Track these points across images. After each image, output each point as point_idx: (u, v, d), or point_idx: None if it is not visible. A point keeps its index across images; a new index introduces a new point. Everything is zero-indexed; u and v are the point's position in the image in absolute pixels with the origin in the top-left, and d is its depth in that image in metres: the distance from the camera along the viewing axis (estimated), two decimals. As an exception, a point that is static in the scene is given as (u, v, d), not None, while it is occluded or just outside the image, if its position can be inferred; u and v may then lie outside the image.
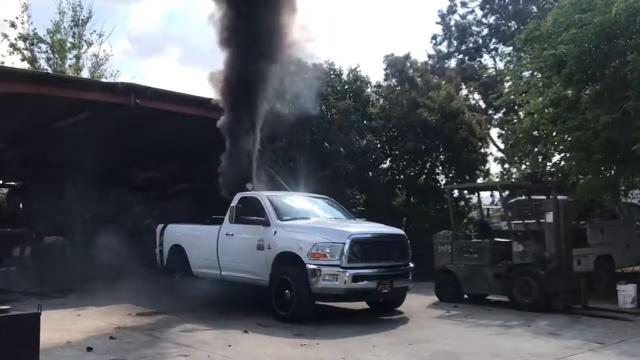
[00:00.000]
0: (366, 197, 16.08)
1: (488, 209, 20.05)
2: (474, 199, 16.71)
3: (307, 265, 8.70)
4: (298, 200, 10.87)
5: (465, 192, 16.77)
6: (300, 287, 8.72)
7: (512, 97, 13.59)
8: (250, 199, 10.31)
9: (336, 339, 7.79)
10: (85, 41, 28.09)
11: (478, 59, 28.64)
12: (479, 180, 17.94)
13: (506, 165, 20.73)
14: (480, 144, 18.07)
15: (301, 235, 9.15)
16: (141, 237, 14.05)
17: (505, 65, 19.91)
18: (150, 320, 9.08)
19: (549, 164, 12.97)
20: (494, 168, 22.79)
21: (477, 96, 26.40)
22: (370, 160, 17.04)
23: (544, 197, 11.94)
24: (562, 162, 12.25)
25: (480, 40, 28.59)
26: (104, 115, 12.45)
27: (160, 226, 12.43)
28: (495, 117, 25.89)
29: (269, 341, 7.68)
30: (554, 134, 12.13)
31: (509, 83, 13.88)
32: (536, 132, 12.42)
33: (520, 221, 11.96)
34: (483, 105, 26.04)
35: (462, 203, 17.42)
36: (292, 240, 9.15)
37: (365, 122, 17.03)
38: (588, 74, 10.39)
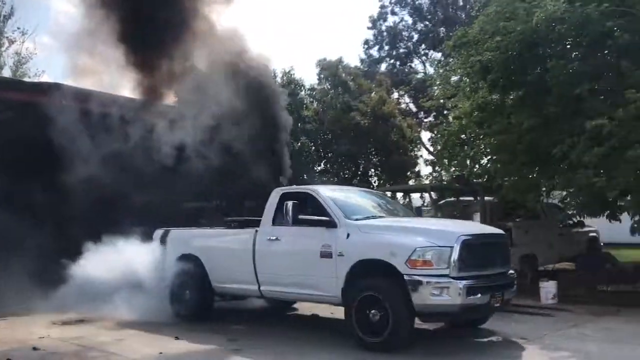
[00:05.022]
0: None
1: (420, 210, 20.43)
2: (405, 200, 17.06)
3: (405, 276, 6.74)
4: (355, 196, 8.83)
5: (398, 193, 17.07)
6: (396, 304, 6.78)
7: (441, 100, 13.91)
8: (299, 196, 8.16)
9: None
10: (7, 38, 26.89)
11: (409, 63, 29.32)
12: (411, 182, 18.34)
13: (436, 168, 21.30)
14: (411, 146, 18.53)
15: (393, 238, 7.13)
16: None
17: (434, 70, 20.43)
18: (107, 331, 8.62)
19: (476, 166, 13.33)
20: (425, 170, 23.39)
21: (407, 100, 27.07)
22: (304, 162, 17.09)
23: (471, 198, 12.26)
24: (489, 165, 12.64)
25: (411, 46, 29.28)
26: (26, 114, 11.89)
27: (159, 232, 9.87)
28: (426, 120, 26.61)
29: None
30: (481, 137, 12.52)
31: (439, 87, 14.21)
32: (464, 135, 12.79)
33: (449, 222, 12.21)
34: (414, 109, 26.69)
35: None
36: (379, 244, 7.15)
37: (299, 124, 17.07)
38: (512, 80, 10.76)
